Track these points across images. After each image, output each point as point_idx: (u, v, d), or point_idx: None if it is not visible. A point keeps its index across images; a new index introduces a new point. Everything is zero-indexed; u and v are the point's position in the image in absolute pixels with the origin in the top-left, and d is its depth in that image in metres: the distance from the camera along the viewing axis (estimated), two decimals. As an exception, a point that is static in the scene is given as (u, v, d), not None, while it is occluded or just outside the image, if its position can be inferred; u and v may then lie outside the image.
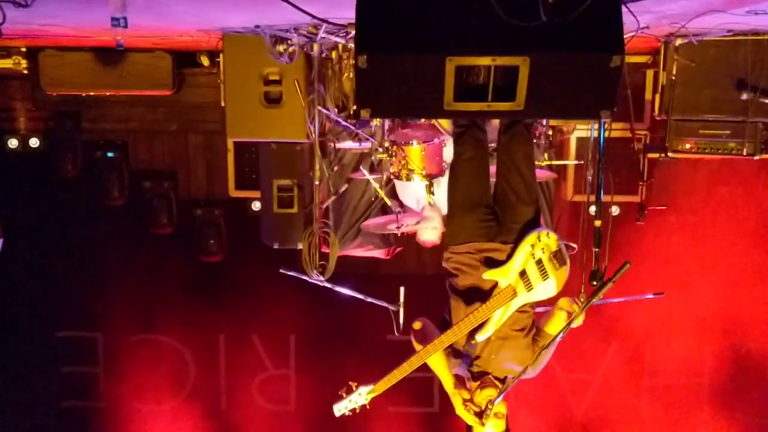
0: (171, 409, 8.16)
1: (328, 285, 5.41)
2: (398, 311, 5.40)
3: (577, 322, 3.50)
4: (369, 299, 5.35)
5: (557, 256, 3.55)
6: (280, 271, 5.55)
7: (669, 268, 7.08)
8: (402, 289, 5.17)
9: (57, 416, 8.29)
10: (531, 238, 3.55)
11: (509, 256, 3.59)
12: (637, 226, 6.42)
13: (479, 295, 3.62)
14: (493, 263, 3.61)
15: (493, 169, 4.01)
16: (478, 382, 3.67)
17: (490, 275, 3.56)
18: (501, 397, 3.52)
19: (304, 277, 5.42)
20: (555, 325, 3.63)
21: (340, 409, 3.79)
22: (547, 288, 3.58)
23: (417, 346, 3.71)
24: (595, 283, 3.56)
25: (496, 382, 3.64)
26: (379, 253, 6.66)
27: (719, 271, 7.26)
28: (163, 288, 7.84)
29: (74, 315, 8.09)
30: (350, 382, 3.75)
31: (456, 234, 3.77)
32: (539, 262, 3.53)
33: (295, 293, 6.77)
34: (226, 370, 8.27)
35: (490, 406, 3.51)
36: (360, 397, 3.72)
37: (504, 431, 3.69)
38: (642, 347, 7.79)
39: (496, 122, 4.20)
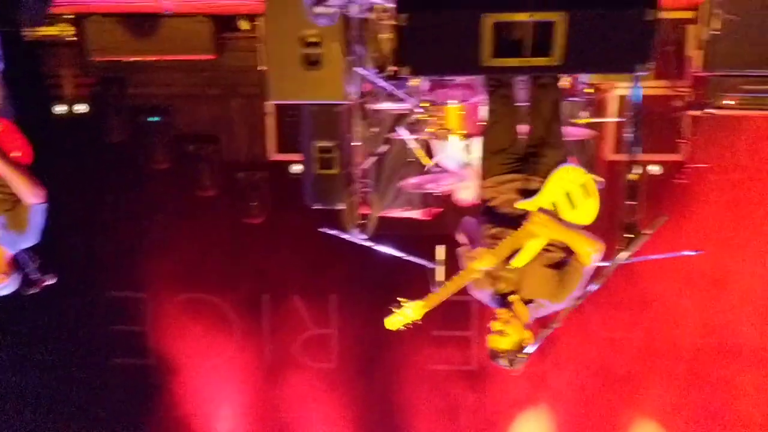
0: (216, 366, 8.41)
1: (369, 244, 5.50)
2: (434, 270, 5.48)
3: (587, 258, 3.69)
4: (409, 258, 5.42)
5: (584, 188, 3.80)
6: (321, 230, 5.66)
7: (710, 226, 7.01)
8: (440, 248, 5.23)
9: (107, 372, 8.62)
10: (560, 171, 3.83)
11: (540, 189, 3.85)
12: (678, 185, 6.37)
13: (512, 220, 3.85)
14: (525, 194, 3.87)
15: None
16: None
17: (522, 205, 3.82)
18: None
19: (345, 236, 5.52)
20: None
21: (394, 323, 3.81)
22: (575, 219, 3.82)
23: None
24: (630, 235, 3.62)
25: (517, 305, 3.81)
26: (418, 214, 6.73)
27: (761, 229, 7.18)
28: (207, 249, 8.02)
29: (122, 276, 8.34)
30: (400, 299, 3.83)
31: (486, 170, 4.13)
32: (568, 194, 3.79)
33: (336, 253, 6.89)
34: (270, 329, 8.47)
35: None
36: (412, 311, 3.79)
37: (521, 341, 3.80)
38: (681, 307, 7.78)
39: None
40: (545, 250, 3.87)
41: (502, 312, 3.78)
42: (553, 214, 3.78)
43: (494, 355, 3.80)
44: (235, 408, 8.48)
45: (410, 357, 8.15)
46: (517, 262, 3.79)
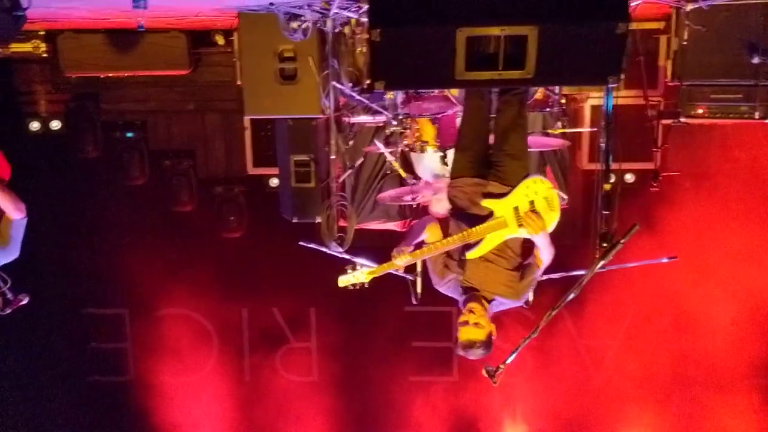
0: (196, 381, 8.37)
1: (347, 256, 5.50)
2: (415, 281, 5.52)
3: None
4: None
5: (548, 200, 4.02)
6: (299, 243, 5.66)
7: (684, 233, 7.10)
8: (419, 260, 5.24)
9: (84, 390, 8.54)
10: (527, 181, 4.06)
11: (506, 194, 4.09)
12: (652, 193, 6.45)
13: (475, 220, 4.11)
14: (489, 196, 4.12)
15: None
16: (467, 295, 4.12)
17: (486, 203, 4.09)
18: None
19: (323, 249, 5.52)
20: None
21: (344, 281, 4.14)
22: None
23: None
24: (605, 245, 3.69)
25: (483, 301, 4.07)
26: (394, 226, 6.75)
27: (735, 235, 7.28)
28: (186, 264, 7.98)
29: (100, 292, 8.29)
30: (356, 262, 4.27)
31: (454, 169, 4.40)
32: (531, 203, 4.03)
33: (314, 266, 6.87)
34: (249, 342, 8.45)
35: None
36: (362, 275, 4.11)
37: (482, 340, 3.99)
38: (659, 313, 7.86)
39: None
40: (512, 252, 4.12)
41: (475, 306, 4.00)
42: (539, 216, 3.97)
43: (471, 345, 3.97)
44: (215, 423, 8.42)
45: (391, 369, 8.16)
46: (473, 254, 4.05)
